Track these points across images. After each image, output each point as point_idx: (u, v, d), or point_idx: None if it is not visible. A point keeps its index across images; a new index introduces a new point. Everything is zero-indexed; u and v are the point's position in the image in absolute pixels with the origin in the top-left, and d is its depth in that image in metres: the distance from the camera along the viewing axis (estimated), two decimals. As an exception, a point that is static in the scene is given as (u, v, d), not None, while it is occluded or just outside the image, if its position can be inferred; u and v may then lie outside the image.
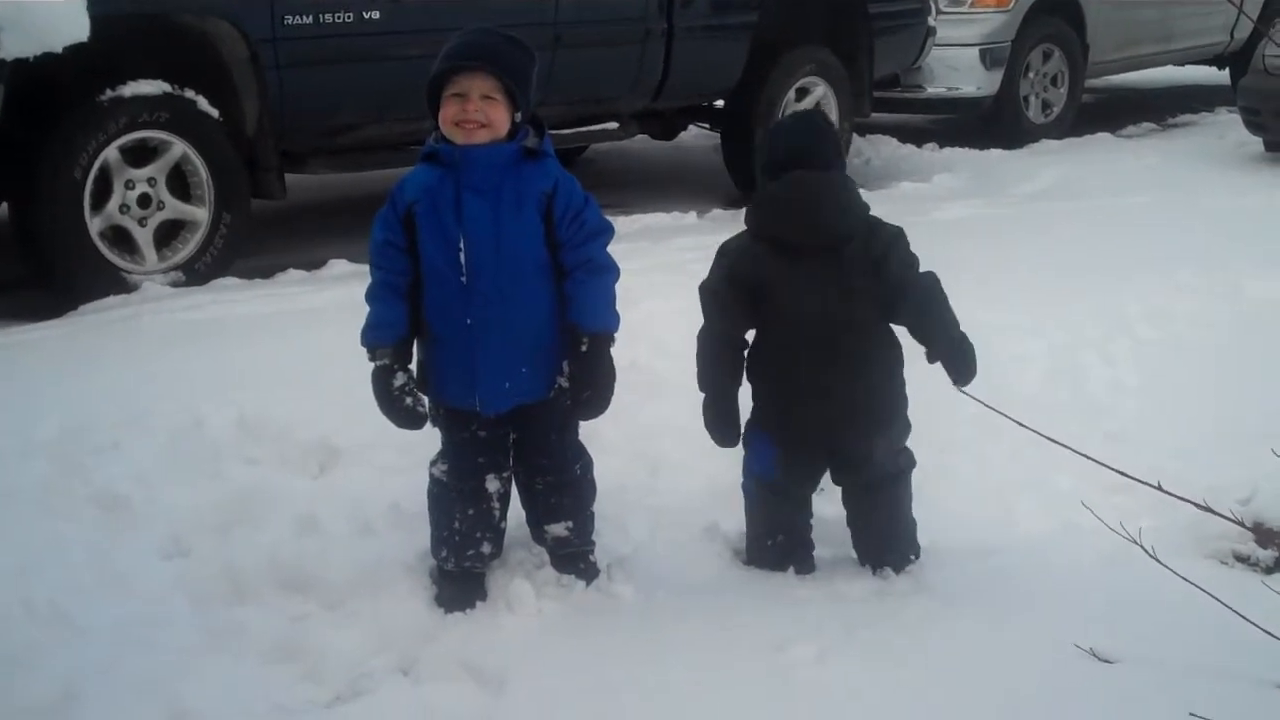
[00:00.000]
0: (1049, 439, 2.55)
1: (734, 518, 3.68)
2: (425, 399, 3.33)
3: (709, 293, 3.41)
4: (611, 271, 3.28)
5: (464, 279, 3.19)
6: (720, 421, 3.46)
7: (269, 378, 4.69)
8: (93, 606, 3.27)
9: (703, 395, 3.46)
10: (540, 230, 3.21)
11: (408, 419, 3.30)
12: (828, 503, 3.66)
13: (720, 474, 3.81)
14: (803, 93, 8.54)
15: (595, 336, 3.24)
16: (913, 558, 3.54)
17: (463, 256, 3.18)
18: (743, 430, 3.49)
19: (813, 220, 3.34)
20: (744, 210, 3.54)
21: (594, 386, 3.26)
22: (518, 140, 3.23)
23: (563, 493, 3.44)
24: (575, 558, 3.47)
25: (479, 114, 3.20)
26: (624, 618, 3.26)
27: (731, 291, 3.38)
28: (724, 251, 3.46)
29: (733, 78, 8.13)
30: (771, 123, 4.12)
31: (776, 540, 3.54)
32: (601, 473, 3.52)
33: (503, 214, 3.19)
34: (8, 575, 3.37)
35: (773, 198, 3.40)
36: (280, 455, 4.14)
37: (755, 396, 3.51)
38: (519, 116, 3.24)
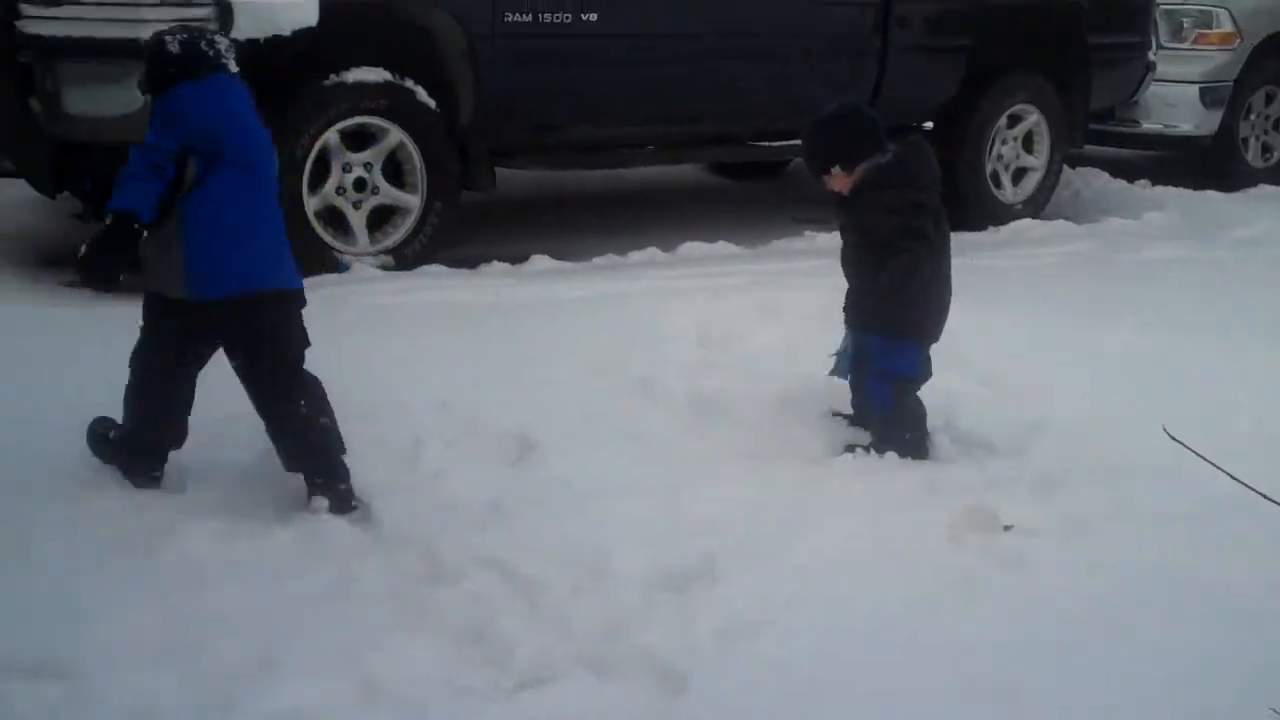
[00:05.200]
0: (1255, 491, 2.47)
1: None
2: None
3: (918, 228, 4.09)
4: None
5: None
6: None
7: (469, 366, 4.78)
8: (293, 574, 3.36)
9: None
10: None
11: None
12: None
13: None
14: (1015, 119, 8.41)
15: None
16: None
17: None
18: (874, 343, 4.18)
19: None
20: (877, 171, 4.11)
21: None
22: None
23: None
24: None
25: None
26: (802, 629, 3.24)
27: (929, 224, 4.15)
28: (910, 202, 4.12)
29: (944, 100, 8.04)
30: (844, 114, 4.27)
31: (915, 433, 4.22)
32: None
33: None
34: (211, 541, 3.49)
35: (917, 156, 4.21)
36: (477, 442, 4.21)
37: (902, 310, 4.16)
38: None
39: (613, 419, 4.41)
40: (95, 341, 4.80)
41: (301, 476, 3.77)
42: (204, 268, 3.61)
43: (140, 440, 3.81)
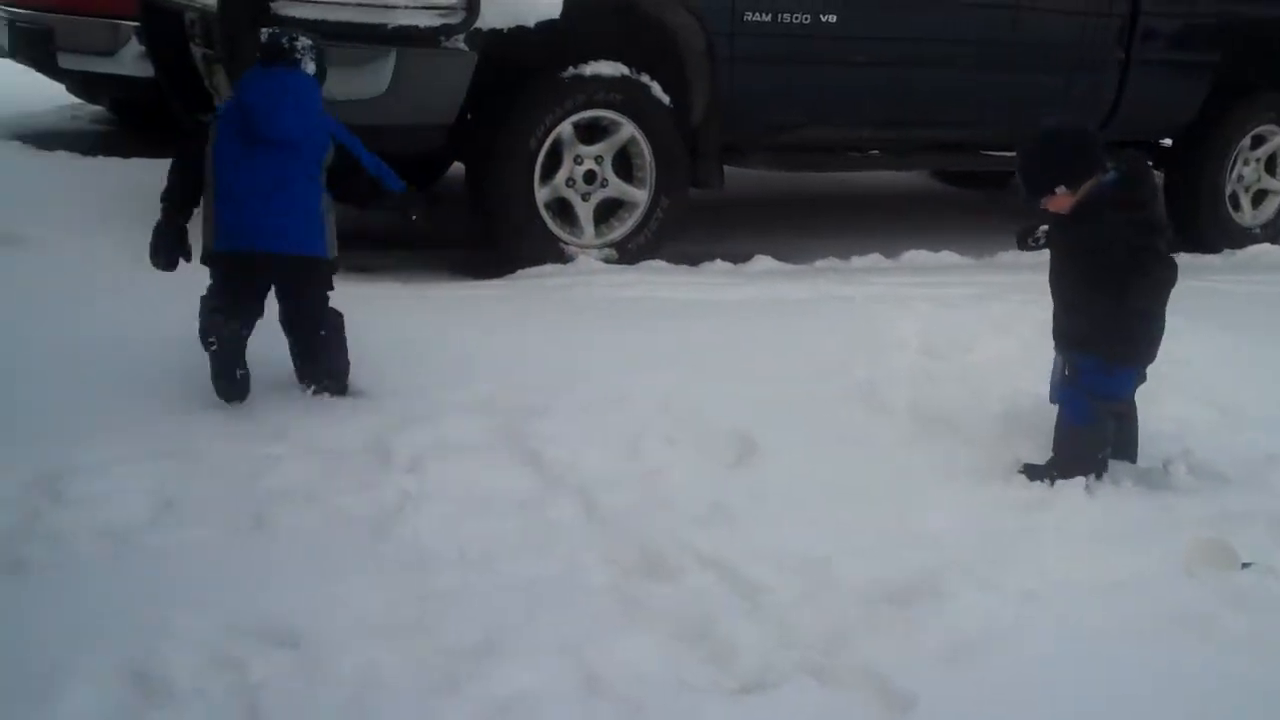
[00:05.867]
0: None
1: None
2: None
3: (1156, 249, 3.90)
4: None
5: None
6: None
7: (692, 363, 4.79)
8: (516, 559, 3.40)
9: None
10: None
11: None
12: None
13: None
14: (1258, 140, 8.12)
15: None
16: None
17: None
18: (1090, 365, 4.04)
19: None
20: (1105, 191, 3.96)
21: None
22: None
23: None
24: None
25: None
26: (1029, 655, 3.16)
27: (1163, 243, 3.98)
28: (1145, 222, 3.95)
29: (1186, 116, 7.79)
30: (1066, 131, 4.11)
31: (1106, 452, 4.11)
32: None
33: None
34: (440, 521, 3.56)
35: (1140, 173, 4.03)
36: (697, 440, 4.21)
37: (1125, 334, 4.02)
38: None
39: (835, 424, 4.37)
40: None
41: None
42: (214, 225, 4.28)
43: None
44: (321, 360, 4.40)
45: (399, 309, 5.49)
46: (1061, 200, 4.03)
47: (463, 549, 3.41)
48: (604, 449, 4.08)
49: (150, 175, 5.01)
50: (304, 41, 4.37)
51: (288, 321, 4.39)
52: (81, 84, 9.16)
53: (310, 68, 4.34)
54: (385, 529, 3.51)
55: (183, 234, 4.40)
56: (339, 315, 4.41)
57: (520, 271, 6.13)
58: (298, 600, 3.12)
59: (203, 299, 4.26)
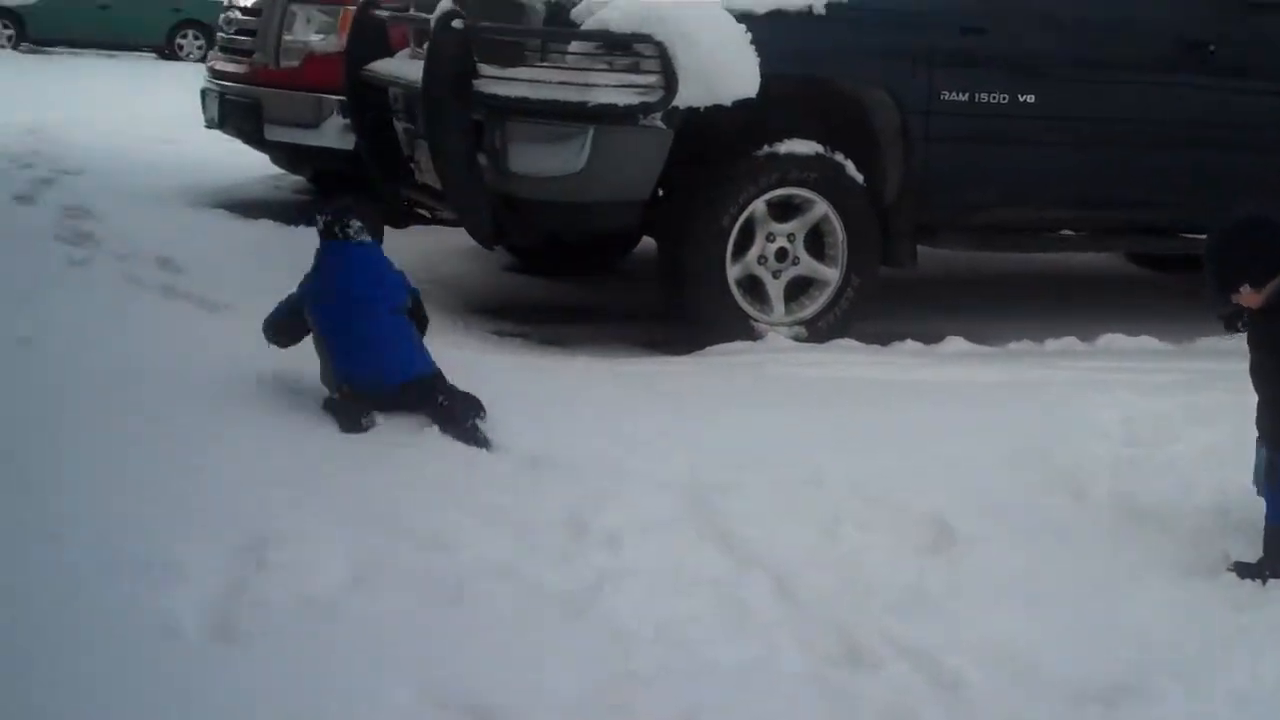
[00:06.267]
0: None
1: None
2: None
3: None
4: None
5: None
6: None
7: (886, 445, 4.73)
8: (712, 642, 3.37)
9: None
10: None
11: None
12: None
13: None
14: None
15: None
16: None
17: None
18: None
19: None
20: None
21: None
22: None
23: None
24: None
25: None
26: None
27: None
28: None
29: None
30: (1249, 226, 3.92)
31: None
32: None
33: None
34: (637, 599, 3.54)
35: None
36: (892, 524, 4.15)
37: None
38: None
39: (1034, 512, 4.28)
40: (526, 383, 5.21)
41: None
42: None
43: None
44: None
45: (591, 382, 5.53)
46: (1248, 298, 3.92)
47: (659, 629, 3.39)
48: (797, 530, 4.04)
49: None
50: (355, 222, 4.98)
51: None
52: (285, 155, 9.46)
53: (362, 237, 4.99)
54: (582, 606, 3.50)
55: None
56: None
57: (710, 348, 6.13)
58: (497, 676, 3.12)
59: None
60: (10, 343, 5.29)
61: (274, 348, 5.05)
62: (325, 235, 5.01)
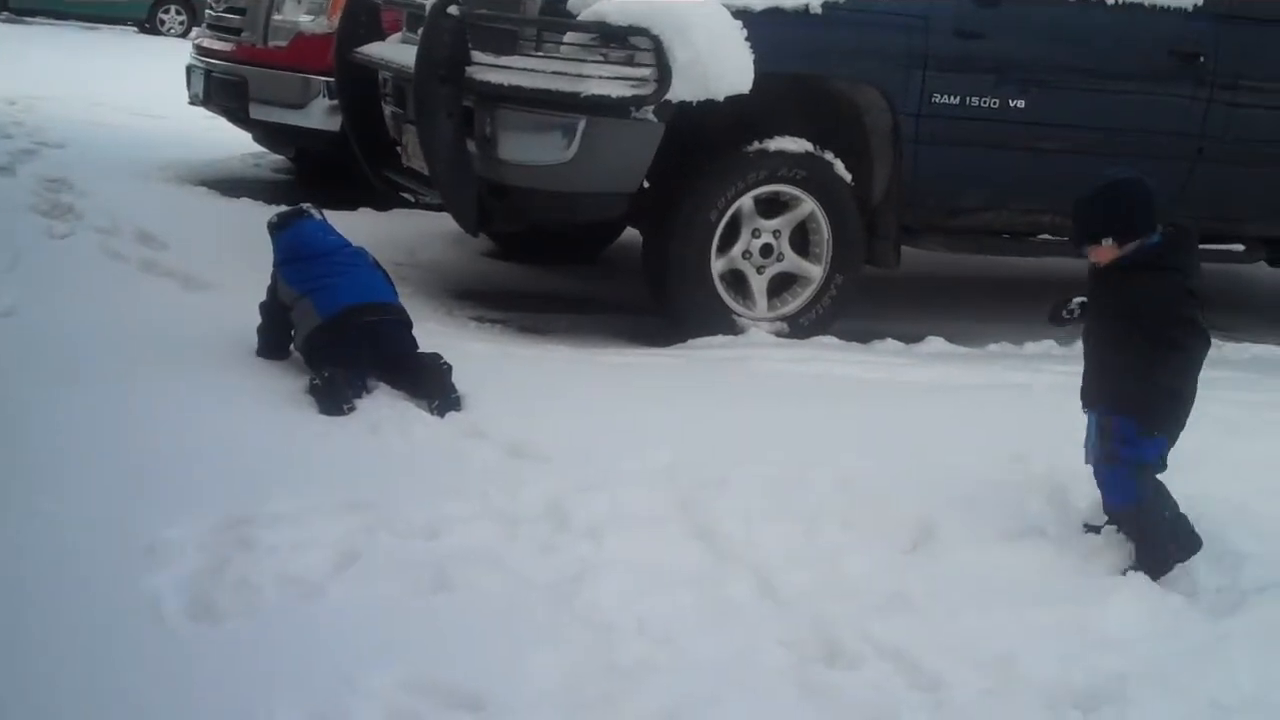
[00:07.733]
0: None
1: None
2: None
3: (1193, 321, 3.83)
4: None
5: None
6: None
7: (868, 444, 4.74)
8: (694, 636, 3.37)
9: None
10: None
11: None
12: None
13: None
14: None
15: None
16: None
17: None
18: (1124, 428, 3.93)
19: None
20: (1150, 252, 3.86)
21: None
22: None
23: None
24: None
25: None
26: None
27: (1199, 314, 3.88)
28: (1186, 289, 3.86)
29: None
30: (1126, 183, 3.95)
31: (1173, 513, 3.99)
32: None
33: None
34: (620, 592, 3.54)
35: (1187, 240, 3.94)
36: (876, 523, 4.15)
37: (1162, 403, 3.92)
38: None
39: (1017, 515, 4.27)
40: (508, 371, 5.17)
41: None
42: None
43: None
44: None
45: (572, 373, 5.53)
46: (1106, 252, 3.94)
47: (642, 622, 3.39)
48: (779, 527, 4.04)
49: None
50: (305, 205, 5.43)
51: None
52: (268, 134, 9.42)
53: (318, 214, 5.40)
54: (565, 597, 3.50)
55: None
56: None
57: (691, 341, 6.14)
58: (480, 664, 3.13)
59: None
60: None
61: (263, 344, 5.21)
62: (282, 224, 5.32)
